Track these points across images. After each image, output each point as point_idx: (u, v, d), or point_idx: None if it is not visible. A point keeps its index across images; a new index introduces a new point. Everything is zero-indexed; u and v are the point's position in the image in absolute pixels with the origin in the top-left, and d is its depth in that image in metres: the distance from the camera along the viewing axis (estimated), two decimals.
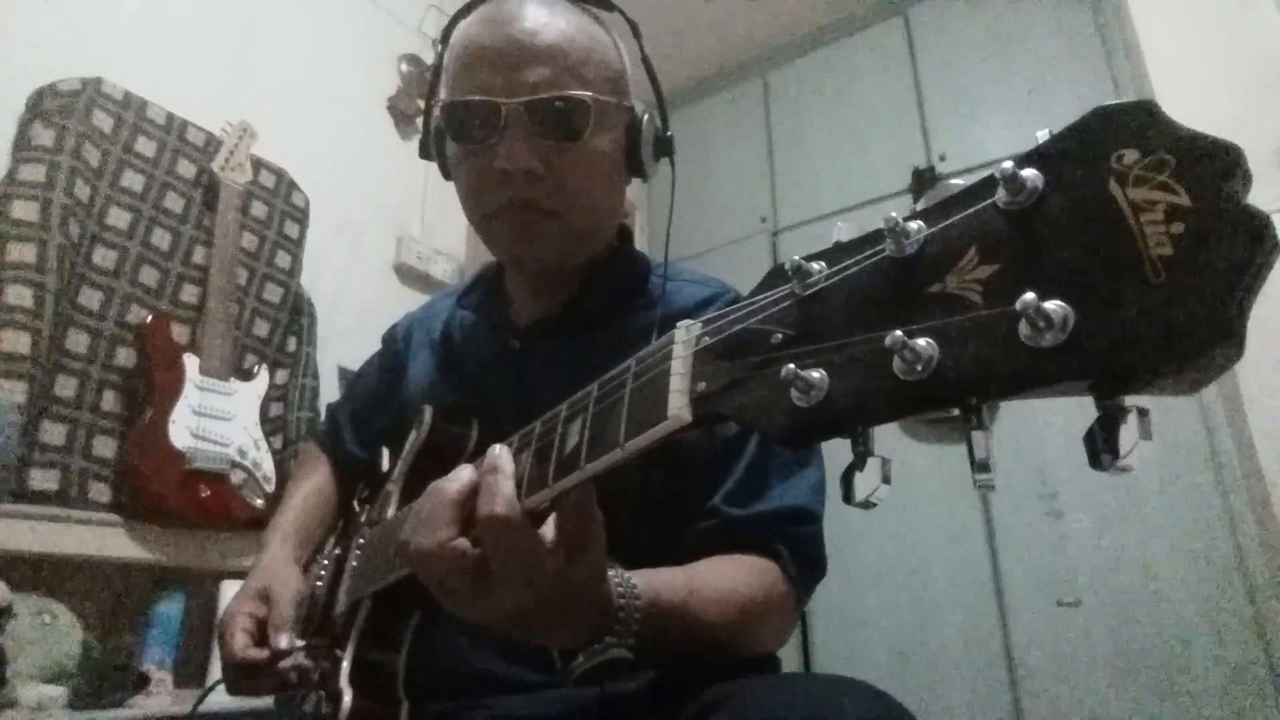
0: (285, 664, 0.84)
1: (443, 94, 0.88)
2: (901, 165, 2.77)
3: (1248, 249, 0.24)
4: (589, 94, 0.82)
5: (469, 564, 0.52)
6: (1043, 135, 0.31)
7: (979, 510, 2.31)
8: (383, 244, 2.59)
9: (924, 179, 2.69)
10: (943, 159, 2.70)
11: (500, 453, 0.54)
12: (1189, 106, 2.00)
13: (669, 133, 0.93)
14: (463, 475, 0.55)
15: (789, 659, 1.27)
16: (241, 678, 0.85)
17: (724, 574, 0.72)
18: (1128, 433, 0.26)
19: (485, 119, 0.81)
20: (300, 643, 0.86)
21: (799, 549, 0.78)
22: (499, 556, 0.51)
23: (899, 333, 0.31)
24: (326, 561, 0.97)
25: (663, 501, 0.79)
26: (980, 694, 2.17)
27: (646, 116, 0.90)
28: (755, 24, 3.20)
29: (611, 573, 0.58)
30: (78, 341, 1.73)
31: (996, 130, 2.61)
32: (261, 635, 0.87)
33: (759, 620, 0.73)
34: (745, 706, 0.55)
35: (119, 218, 1.85)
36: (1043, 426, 2.22)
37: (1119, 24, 2.39)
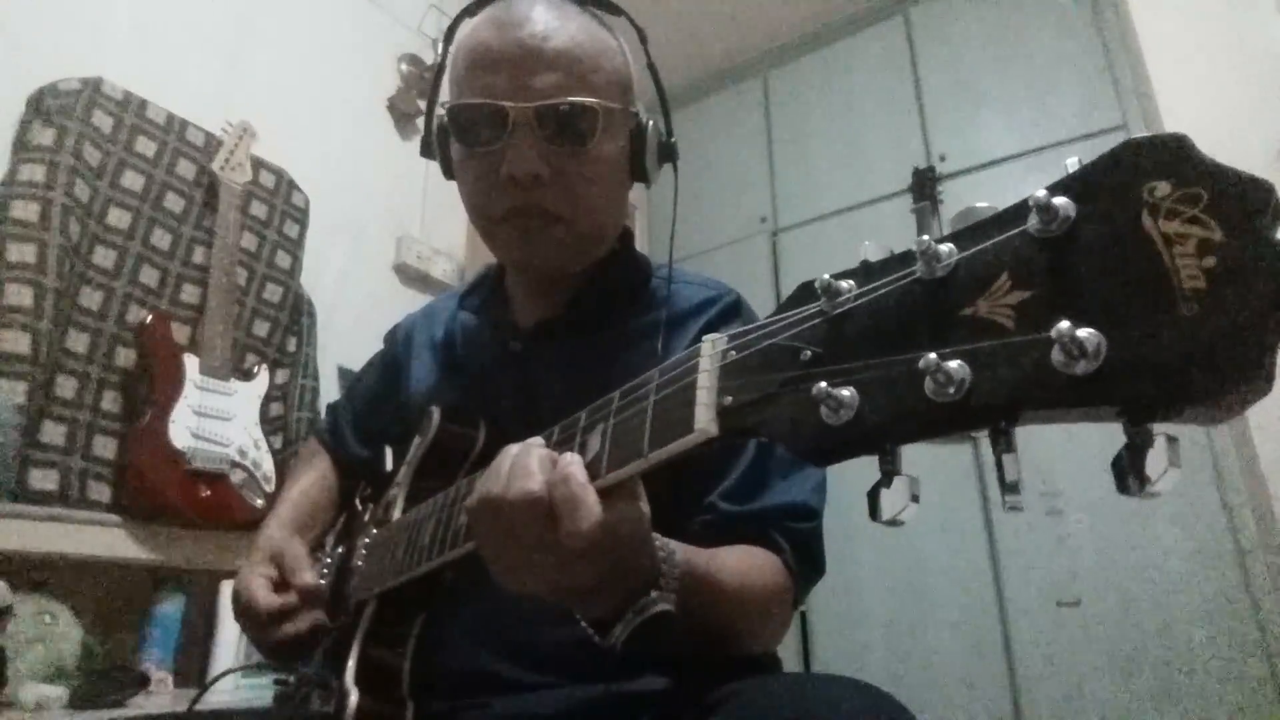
0: (311, 613, 0.84)
1: (448, 95, 0.88)
2: (901, 165, 2.78)
3: (1279, 284, 0.24)
4: (597, 100, 0.81)
5: (547, 513, 0.50)
6: (1072, 164, 0.31)
7: (979, 510, 2.32)
8: (383, 244, 2.59)
9: (924, 179, 2.70)
10: (943, 159, 2.71)
11: (571, 460, 0.52)
12: (1189, 106, 2.00)
13: (673, 139, 0.93)
14: (541, 447, 0.54)
15: (789, 659, 1.27)
16: (270, 630, 0.84)
17: (739, 557, 0.72)
18: (1156, 459, 0.27)
19: (492, 123, 0.81)
20: (324, 581, 0.86)
21: (798, 543, 0.78)
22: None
23: (933, 355, 0.31)
24: (329, 560, 0.97)
25: (664, 503, 0.79)
26: (980, 694, 2.18)
27: (651, 123, 0.90)
28: (755, 24, 3.20)
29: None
30: (78, 341, 1.72)
31: (996, 130, 2.62)
32: (281, 590, 0.86)
33: (769, 606, 0.73)
34: (745, 706, 0.56)
35: (119, 218, 1.84)
36: (1043, 427, 2.22)
37: (1119, 24, 2.40)
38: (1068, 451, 2.17)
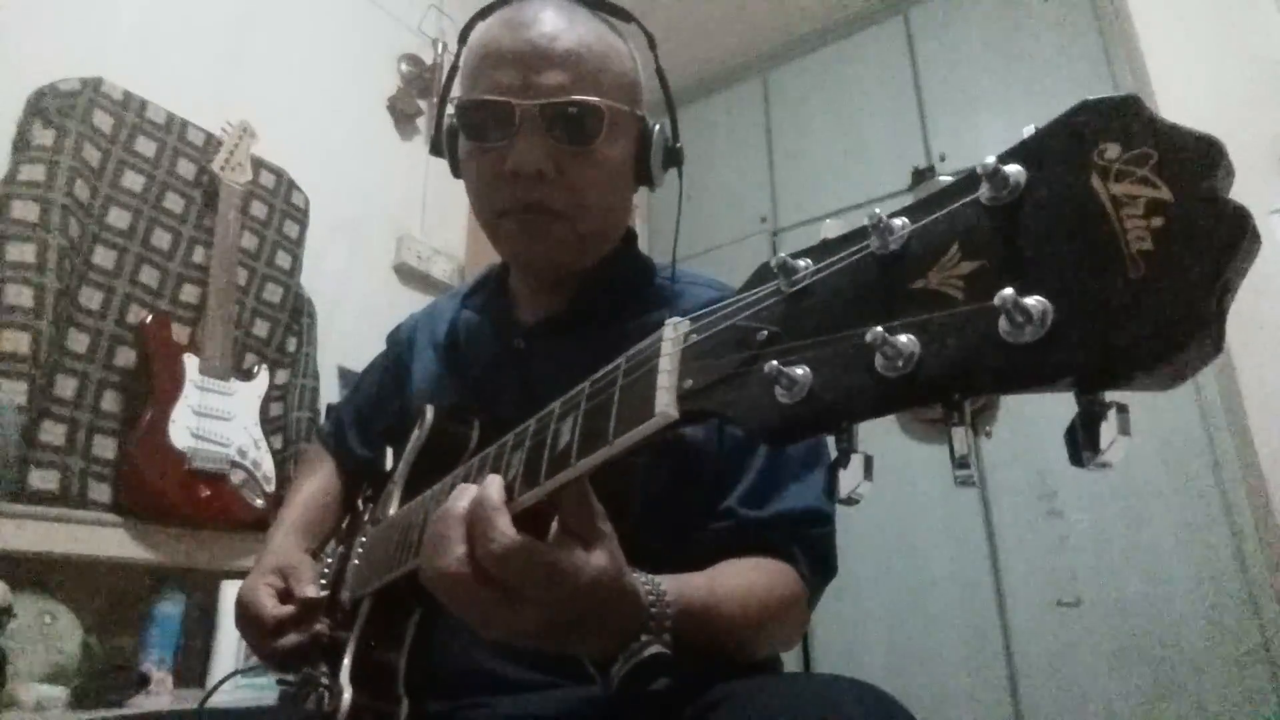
0: (314, 623, 0.84)
1: (458, 92, 0.89)
2: (901, 165, 2.77)
3: (1228, 244, 0.24)
4: (603, 100, 0.82)
5: (486, 581, 0.51)
6: (1029, 131, 0.31)
7: (979, 510, 2.31)
8: (383, 244, 2.59)
9: (924, 179, 2.70)
10: (943, 159, 2.70)
11: (491, 483, 0.54)
12: (1189, 106, 2.00)
13: (679, 144, 0.94)
14: (469, 493, 0.55)
15: (789, 659, 1.27)
16: (271, 639, 0.85)
17: (743, 575, 0.72)
18: (1108, 429, 0.26)
19: (499, 119, 0.82)
20: (327, 592, 0.87)
21: (812, 550, 0.79)
22: (514, 581, 0.51)
23: (880, 329, 0.31)
24: (331, 560, 0.97)
25: (674, 505, 0.79)
26: (980, 694, 2.17)
27: (658, 126, 0.91)
28: (755, 24, 3.20)
29: (636, 574, 0.58)
30: (78, 341, 1.73)
31: (996, 130, 2.61)
32: (285, 601, 0.87)
33: (778, 621, 0.73)
34: (745, 706, 0.55)
35: (119, 218, 1.85)
36: (1042, 426, 2.22)
37: (1119, 24, 2.39)
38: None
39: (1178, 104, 2.03)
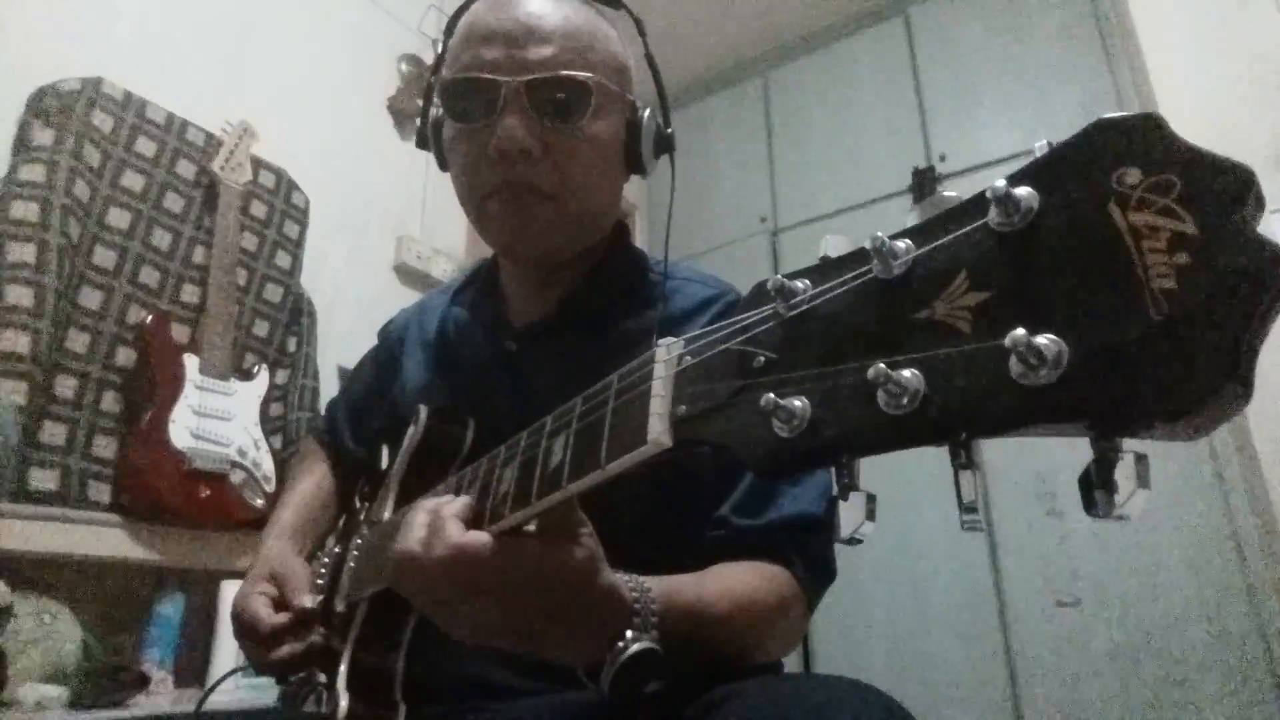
0: (311, 632, 0.83)
1: (444, 73, 0.87)
2: (901, 165, 2.77)
3: (1259, 286, 0.22)
4: (591, 76, 0.80)
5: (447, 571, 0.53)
6: (1041, 147, 0.28)
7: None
8: (383, 244, 2.58)
9: (924, 179, 2.69)
10: (943, 159, 2.70)
11: (453, 500, 0.57)
12: (1189, 107, 1.99)
13: (670, 130, 0.92)
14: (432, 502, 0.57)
15: (789, 659, 1.27)
16: (269, 649, 0.84)
17: (737, 578, 0.71)
18: (1125, 479, 0.24)
19: (484, 97, 0.80)
20: (321, 582, 0.86)
21: (810, 556, 0.77)
22: (464, 576, 0.52)
23: (882, 365, 0.29)
24: (327, 560, 0.96)
25: (667, 513, 0.78)
26: (980, 694, 2.16)
27: (648, 112, 0.89)
28: (755, 24, 3.19)
29: (619, 573, 0.58)
30: (78, 341, 1.72)
31: (996, 130, 2.60)
32: (280, 609, 0.85)
33: (772, 624, 0.72)
34: (746, 706, 0.54)
35: (119, 218, 1.84)
36: None
37: (1119, 24, 2.38)
38: (1068, 452, 2.16)
39: (1178, 104, 2.02)
